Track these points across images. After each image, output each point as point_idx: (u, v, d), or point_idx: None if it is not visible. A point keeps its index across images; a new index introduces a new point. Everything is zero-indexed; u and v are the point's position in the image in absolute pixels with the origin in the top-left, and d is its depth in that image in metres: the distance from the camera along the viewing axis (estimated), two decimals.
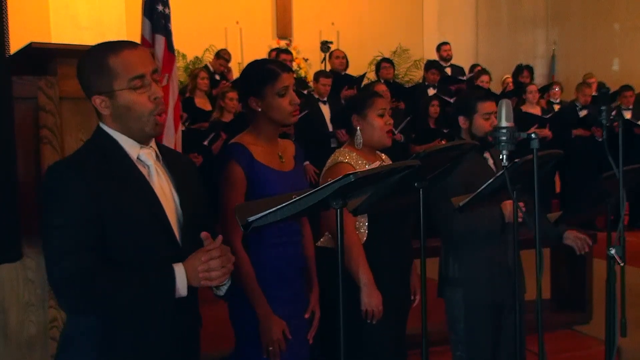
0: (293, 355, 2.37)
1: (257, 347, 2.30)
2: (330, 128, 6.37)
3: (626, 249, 2.34)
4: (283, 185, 2.31)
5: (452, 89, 8.06)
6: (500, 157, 1.97)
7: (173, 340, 1.77)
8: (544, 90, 8.67)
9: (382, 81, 7.35)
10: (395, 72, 8.90)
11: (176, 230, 1.77)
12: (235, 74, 8.39)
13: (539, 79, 10.77)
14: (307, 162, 5.82)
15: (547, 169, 2.67)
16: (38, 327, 2.19)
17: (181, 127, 5.18)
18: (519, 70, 8.76)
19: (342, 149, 2.80)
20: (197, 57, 9.66)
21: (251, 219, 1.60)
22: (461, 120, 2.93)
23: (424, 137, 6.75)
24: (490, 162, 2.91)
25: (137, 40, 4.52)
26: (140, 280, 1.66)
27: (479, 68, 9.08)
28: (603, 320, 2.80)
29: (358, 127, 2.74)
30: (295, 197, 1.61)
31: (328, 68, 7.86)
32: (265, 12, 10.49)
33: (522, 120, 6.94)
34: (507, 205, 2.68)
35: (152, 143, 1.81)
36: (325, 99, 6.51)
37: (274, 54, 7.72)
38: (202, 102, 6.83)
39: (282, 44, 10.02)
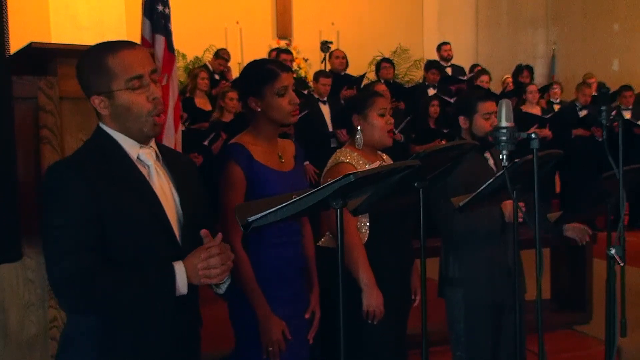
0: (293, 356, 2.37)
1: (257, 347, 2.30)
2: (330, 128, 6.37)
3: (626, 249, 2.34)
4: (283, 185, 2.31)
5: (452, 89, 8.06)
6: (500, 157, 1.97)
7: (173, 340, 1.77)
8: (544, 90, 8.67)
9: (382, 81, 7.34)
10: (395, 72, 8.90)
11: (176, 230, 1.77)
12: (235, 74, 8.38)
13: (539, 79, 10.76)
14: (307, 162, 5.81)
15: (547, 169, 2.67)
16: (38, 327, 2.19)
17: (181, 127, 5.18)
18: (519, 70, 8.75)
19: (343, 149, 2.79)
20: (197, 57, 9.67)
21: (251, 219, 1.60)
22: (461, 120, 2.93)
23: (424, 137, 6.75)
24: (491, 162, 2.91)
25: (137, 40, 4.52)
26: (140, 279, 1.66)
27: (479, 68, 9.07)
28: (603, 320, 2.80)
29: (359, 127, 2.74)
30: (295, 197, 1.61)
31: (328, 68, 7.85)
32: (265, 12, 10.49)
33: (522, 120, 6.94)
34: (507, 205, 2.68)
35: (152, 143, 1.81)
36: (325, 99, 6.50)
37: (274, 54, 7.72)
38: (202, 102, 6.83)
39: (282, 44, 10.03)
